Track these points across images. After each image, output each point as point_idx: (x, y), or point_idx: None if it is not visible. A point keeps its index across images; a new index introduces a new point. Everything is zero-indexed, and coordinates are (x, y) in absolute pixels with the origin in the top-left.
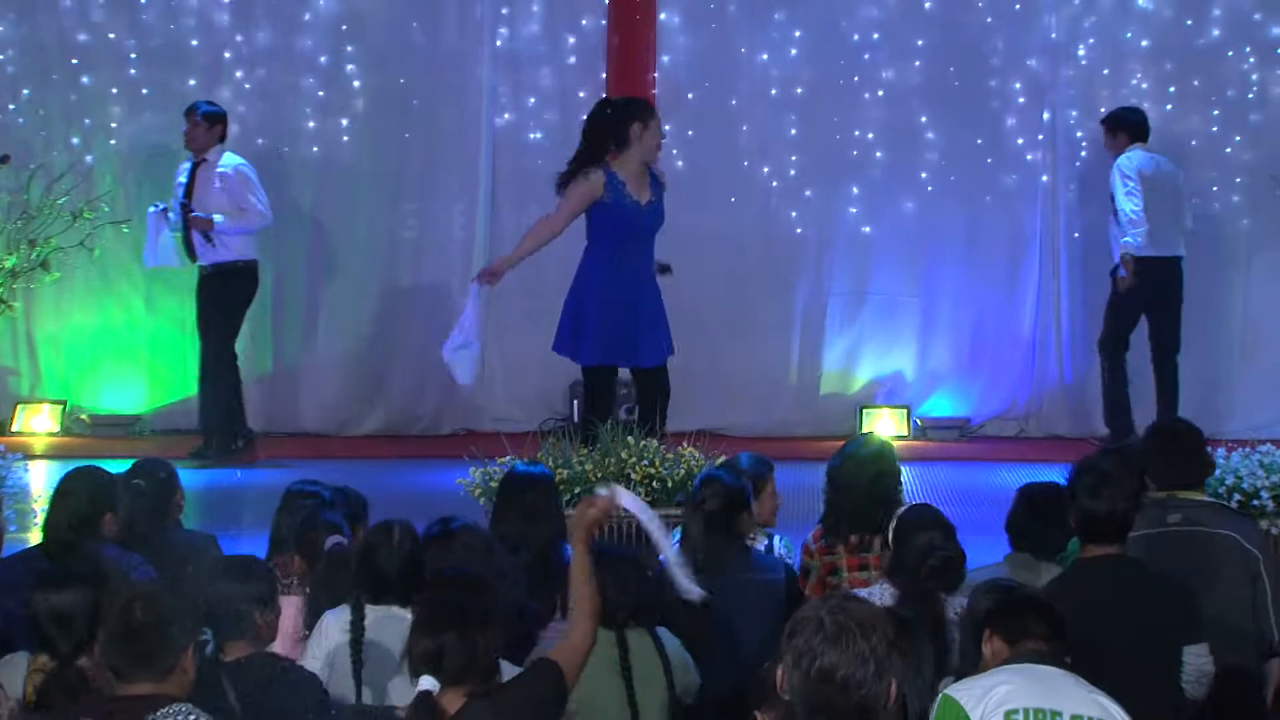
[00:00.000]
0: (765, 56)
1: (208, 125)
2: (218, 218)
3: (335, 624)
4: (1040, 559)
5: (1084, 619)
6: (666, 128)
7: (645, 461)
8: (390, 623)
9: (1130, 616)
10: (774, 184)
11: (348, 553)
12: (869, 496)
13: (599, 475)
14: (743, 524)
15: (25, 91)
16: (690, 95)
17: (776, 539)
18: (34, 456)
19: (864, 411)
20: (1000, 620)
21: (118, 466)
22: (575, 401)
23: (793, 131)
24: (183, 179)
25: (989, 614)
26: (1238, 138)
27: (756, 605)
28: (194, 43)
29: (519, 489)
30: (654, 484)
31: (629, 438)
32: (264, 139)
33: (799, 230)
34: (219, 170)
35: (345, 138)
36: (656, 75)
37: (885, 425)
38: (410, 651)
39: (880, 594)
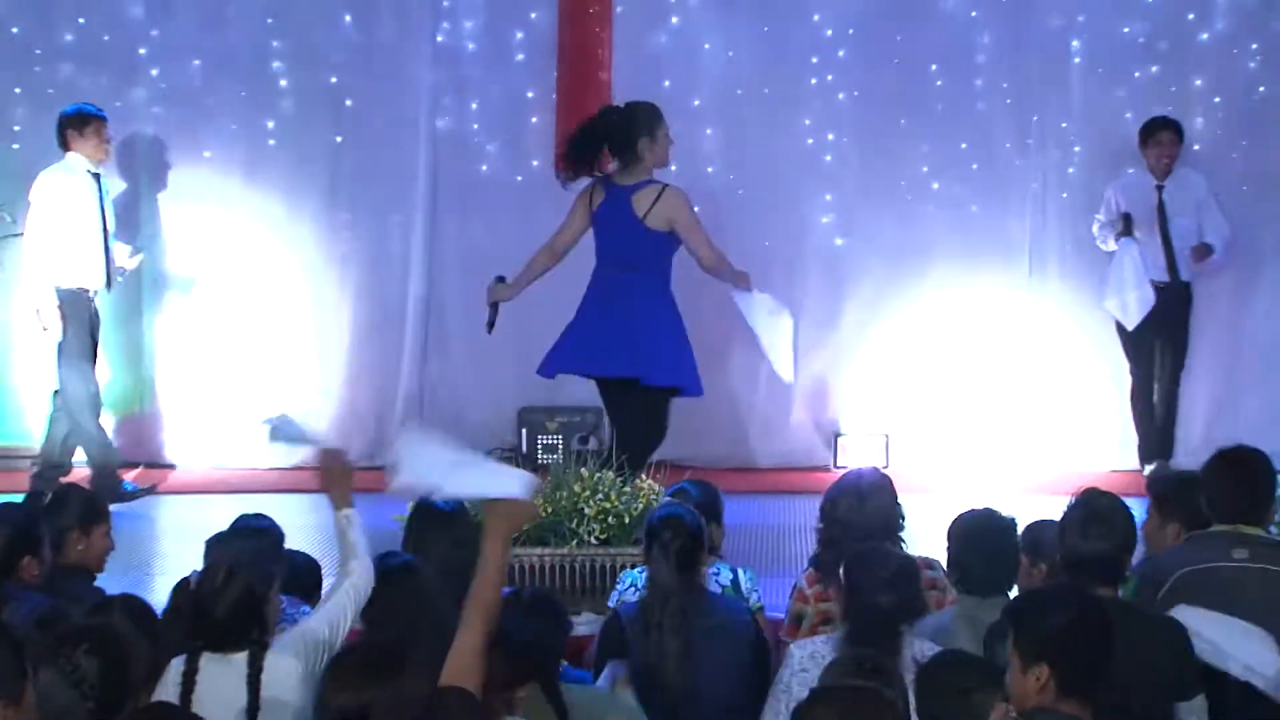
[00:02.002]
0: (731, 54)
1: None
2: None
3: (173, 674)
4: (988, 598)
5: None
6: None
7: (600, 496)
8: (224, 669)
9: (1120, 669)
10: (739, 193)
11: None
12: (871, 534)
13: (549, 510)
14: (704, 562)
15: None
16: (648, 96)
17: (741, 573)
18: None
19: (839, 440)
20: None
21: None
22: (524, 430)
23: (761, 135)
24: (78, 188)
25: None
26: (1244, 141)
27: (724, 651)
28: (105, 38)
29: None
30: (609, 520)
31: (582, 470)
32: (182, 143)
33: (767, 243)
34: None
35: (271, 141)
36: (612, 74)
37: (861, 455)
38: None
39: (825, 644)
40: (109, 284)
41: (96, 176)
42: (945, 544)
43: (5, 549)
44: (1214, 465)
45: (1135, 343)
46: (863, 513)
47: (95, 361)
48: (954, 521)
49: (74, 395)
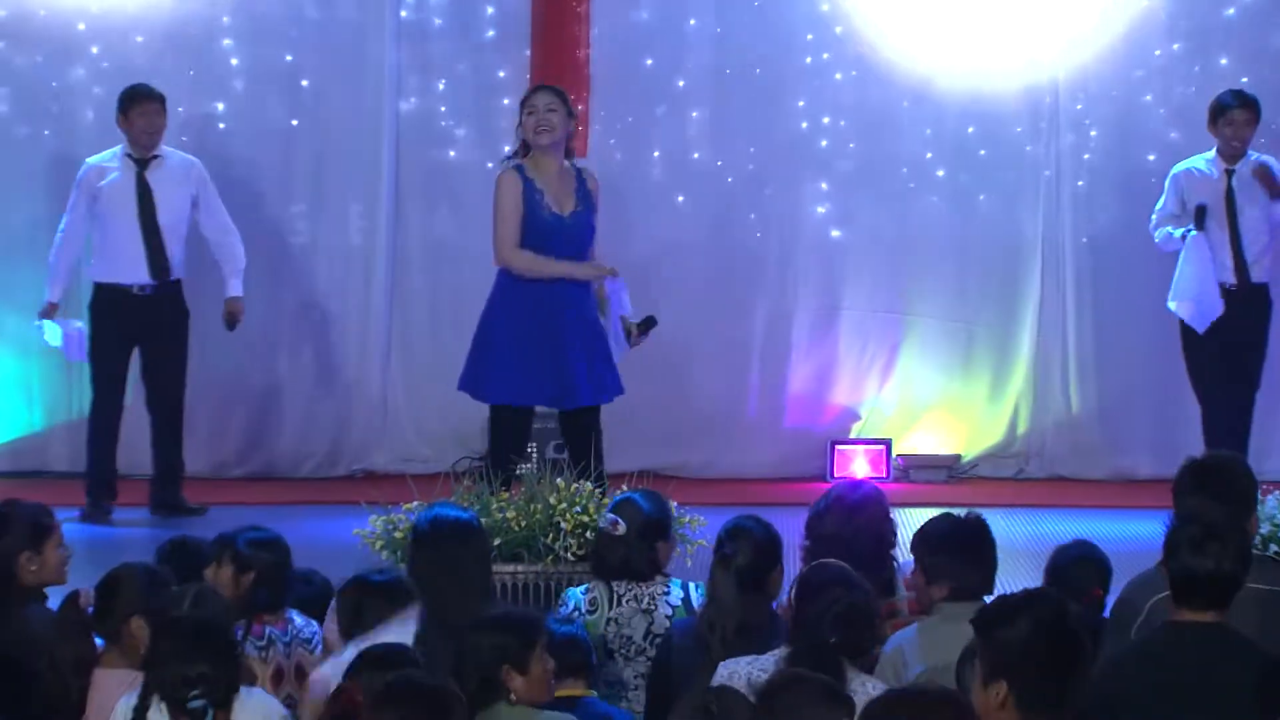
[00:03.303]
0: (719, 30)
1: (165, 113)
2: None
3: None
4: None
5: (1162, 699)
6: (602, 113)
7: (578, 509)
8: None
9: (1222, 704)
10: (729, 180)
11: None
12: (858, 553)
13: (523, 524)
14: (774, 583)
15: None
16: (629, 75)
17: (693, 588)
18: None
19: (836, 448)
20: None
21: None
22: None
23: (751, 118)
24: (115, 180)
25: None
26: (1275, 125)
27: None
28: (41, 12)
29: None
30: (587, 534)
31: (559, 480)
32: None
33: (758, 235)
34: (184, 169)
35: (221, 124)
36: (590, 52)
37: (860, 464)
38: None
39: (750, 665)
40: (155, 275)
41: (140, 163)
42: (914, 554)
43: None
44: (1180, 477)
45: (1202, 354)
46: (851, 528)
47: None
48: (921, 529)
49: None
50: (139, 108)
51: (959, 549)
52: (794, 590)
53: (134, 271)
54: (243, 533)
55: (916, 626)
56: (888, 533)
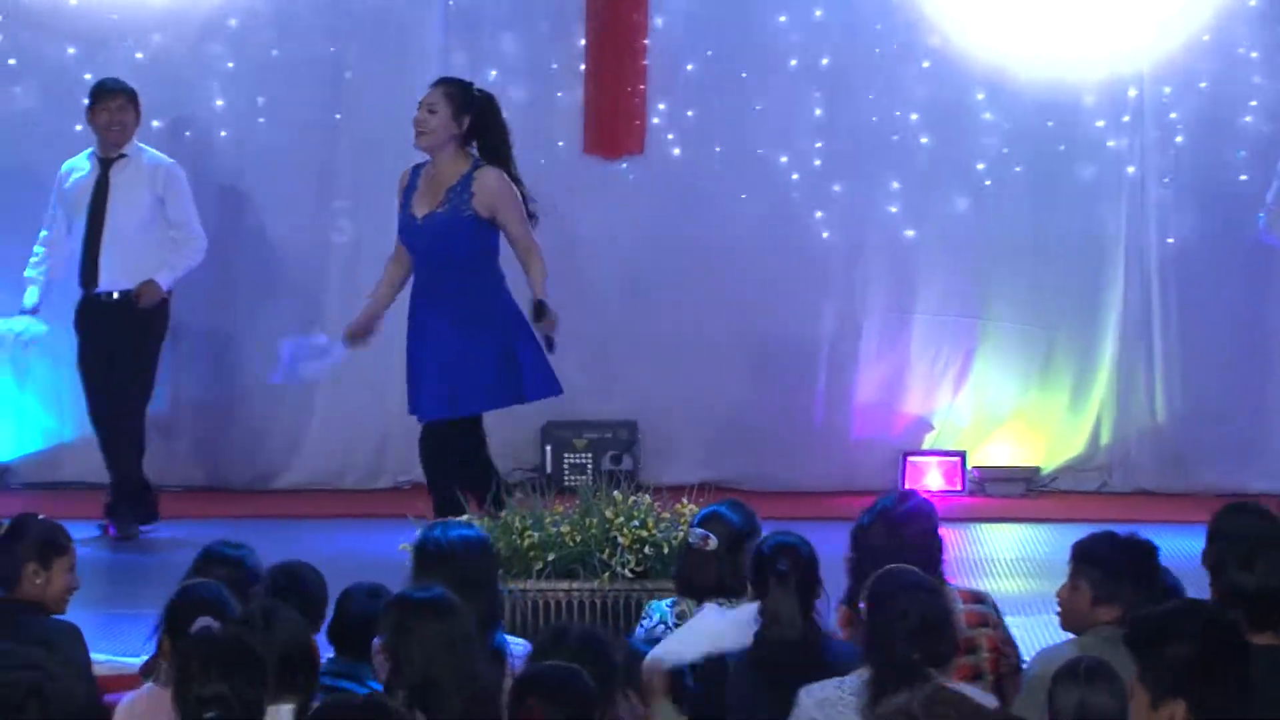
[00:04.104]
0: (784, 19)
1: (135, 110)
2: (163, 278)
3: None
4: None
5: None
6: (660, 106)
7: (635, 523)
8: None
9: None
10: (794, 177)
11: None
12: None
13: (578, 539)
14: (819, 596)
15: None
16: (690, 66)
17: (666, 605)
18: None
19: (907, 460)
20: None
21: None
22: (548, 449)
23: (818, 111)
24: (79, 180)
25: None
26: None
27: None
28: (72, 2)
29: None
30: (645, 550)
31: (615, 493)
32: (161, 121)
33: (825, 235)
34: (150, 170)
35: (260, 119)
36: (648, 42)
37: (933, 477)
38: None
39: (838, 689)
40: (86, 285)
41: (106, 163)
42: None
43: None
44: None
45: None
46: (897, 542)
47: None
48: (1082, 544)
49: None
50: (102, 103)
51: (1137, 572)
52: (864, 602)
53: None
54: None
55: (1070, 644)
56: (935, 549)
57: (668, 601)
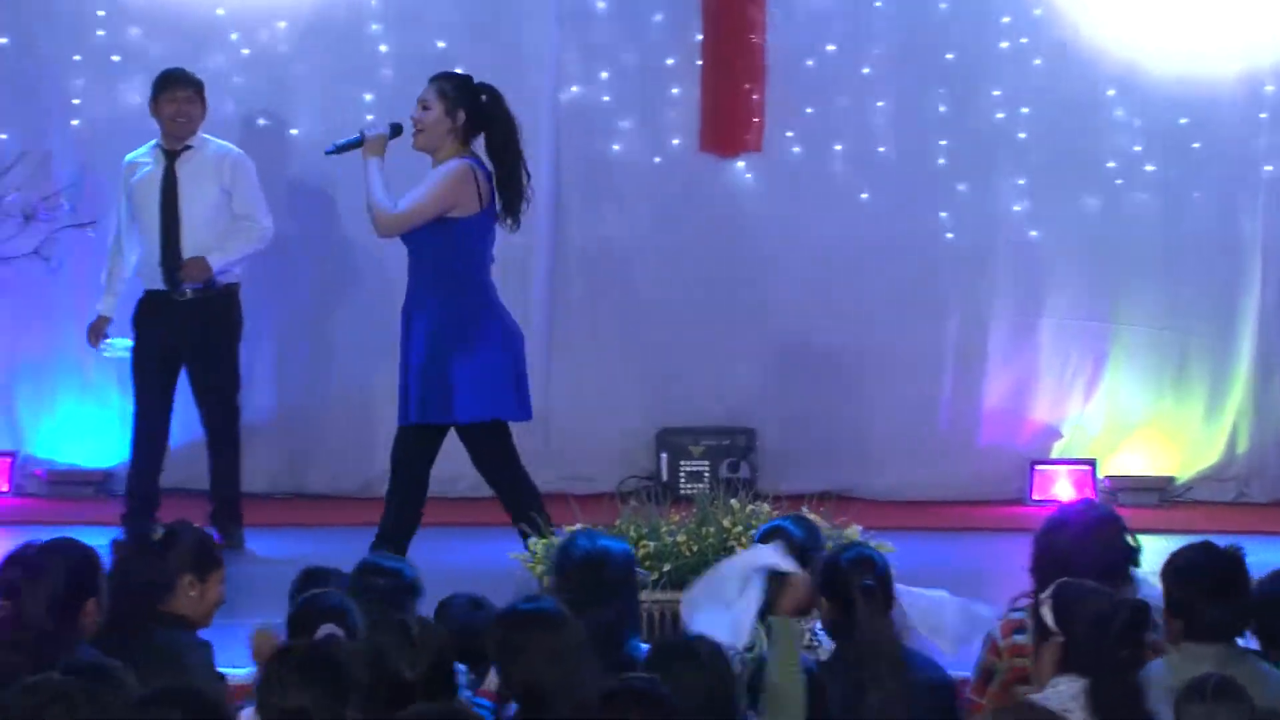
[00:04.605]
0: (906, 12)
1: (203, 102)
2: (214, 258)
3: None
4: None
5: None
6: (779, 103)
7: (753, 532)
8: None
9: None
10: (917, 175)
11: (345, 649)
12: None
13: (694, 549)
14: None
15: None
16: (810, 62)
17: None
18: None
19: (1035, 469)
20: None
21: (88, 536)
22: (664, 455)
23: (941, 108)
24: (146, 174)
25: None
26: None
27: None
28: None
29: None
30: None
31: (732, 501)
32: (266, 119)
33: (949, 235)
34: (216, 161)
35: (369, 116)
36: (767, 37)
37: (1062, 486)
38: None
39: (1060, 697)
40: (172, 287)
41: (170, 155)
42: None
43: (65, 590)
44: None
45: None
46: (1087, 549)
47: (167, 376)
48: (1170, 558)
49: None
50: (167, 94)
51: (1209, 584)
52: (1054, 616)
53: (159, 275)
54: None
55: (1158, 665)
56: (1126, 556)
57: None
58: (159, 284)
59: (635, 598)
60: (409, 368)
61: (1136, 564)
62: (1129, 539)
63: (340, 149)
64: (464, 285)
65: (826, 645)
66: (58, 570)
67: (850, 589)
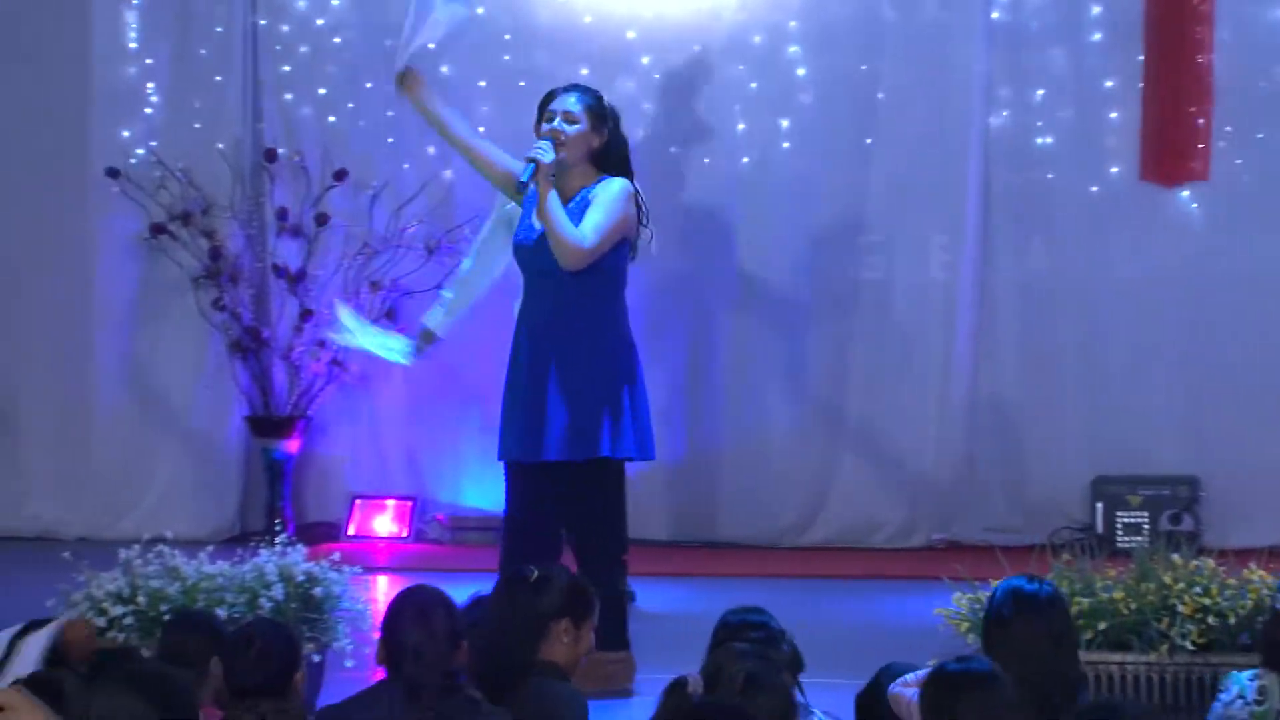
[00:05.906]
0: None
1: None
2: None
3: None
4: None
5: None
6: (1227, 129)
7: (1198, 589)
8: None
9: None
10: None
11: None
12: None
13: (1132, 606)
14: None
15: (368, 85)
16: (1262, 84)
17: (1246, 677)
18: (375, 569)
19: None
20: None
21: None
22: (1099, 505)
23: None
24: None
25: None
26: None
27: None
28: (587, 18)
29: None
30: (1209, 619)
31: (1174, 556)
32: (676, 146)
33: None
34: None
35: (785, 143)
36: (1214, 57)
37: None
38: None
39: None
40: None
41: None
42: None
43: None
44: None
45: None
46: None
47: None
48: None
49: None
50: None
51: None
52: None
53: None
54: None
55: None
56: None
57: (1248, 674)
58: None
59: (1076, 654)
60: (583, 396)
61: None
62: None
63: (530, 180)
64: (626, 313)
65: None
66: (438, 614)
67: None
